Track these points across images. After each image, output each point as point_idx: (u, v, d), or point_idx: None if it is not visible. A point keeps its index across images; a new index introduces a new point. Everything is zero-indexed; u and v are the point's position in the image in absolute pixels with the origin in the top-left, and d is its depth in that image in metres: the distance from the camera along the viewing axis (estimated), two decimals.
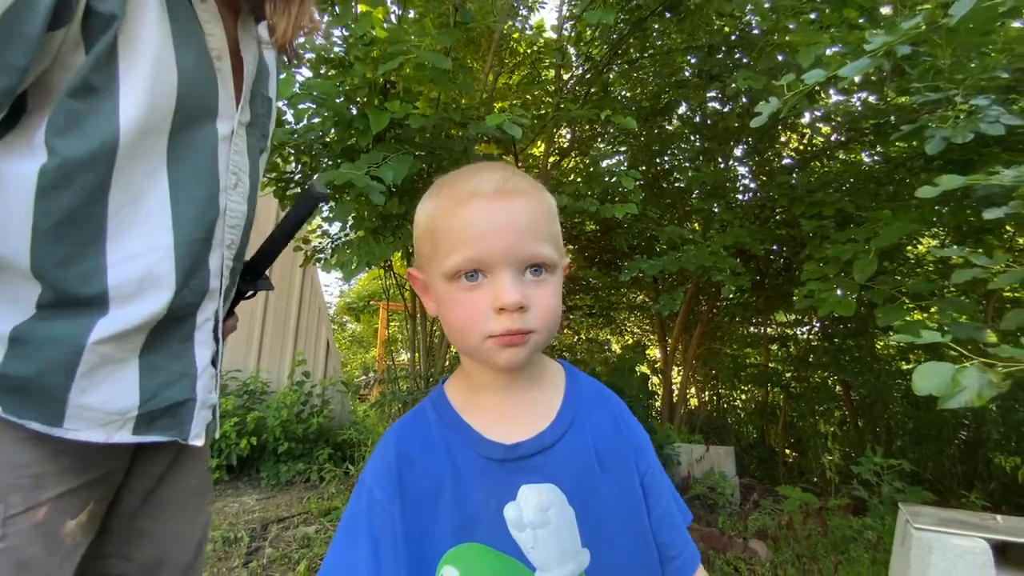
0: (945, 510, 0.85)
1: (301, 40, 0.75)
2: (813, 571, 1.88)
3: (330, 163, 2.38)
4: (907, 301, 2.20)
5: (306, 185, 0.72)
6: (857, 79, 2.73)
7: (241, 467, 3.46)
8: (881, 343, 4.07)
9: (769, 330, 5.21)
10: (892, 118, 2.44)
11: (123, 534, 0.65)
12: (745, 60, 3.18)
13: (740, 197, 3.95)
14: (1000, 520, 0.79)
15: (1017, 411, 3.13)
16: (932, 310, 2.24)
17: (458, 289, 0.47)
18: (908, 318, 2.10)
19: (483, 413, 0.51)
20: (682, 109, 4.20)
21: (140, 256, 0.55)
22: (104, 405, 0.54)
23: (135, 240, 0.54)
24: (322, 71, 2.39)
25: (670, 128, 4.31)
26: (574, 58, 3.85)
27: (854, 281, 2.05)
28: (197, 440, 0.62)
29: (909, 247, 3.52)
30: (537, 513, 0.47)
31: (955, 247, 2.00)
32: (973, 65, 1.74)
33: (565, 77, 3.93)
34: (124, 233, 0.54)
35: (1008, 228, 2.80)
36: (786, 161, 3.98)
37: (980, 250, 3.05)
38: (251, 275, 0.77)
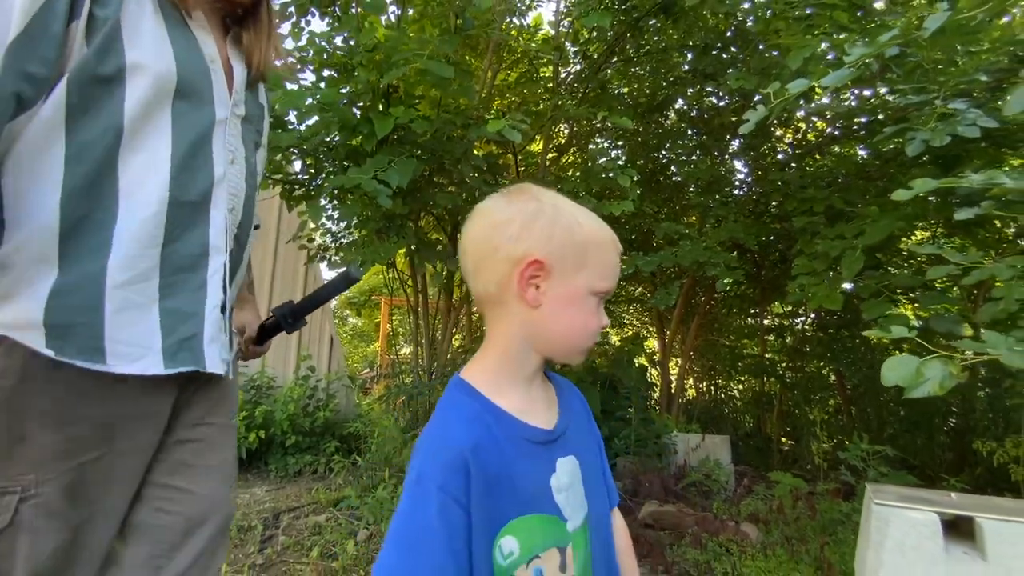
0: (907, 488, 0.94)
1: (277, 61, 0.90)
2: (801, 551, 1.98)
3: (335, 164, 2.45)
4: (894, 295, 2.28)
5: (345, 268, 1.05)
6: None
7: (250, 460, 3.56)
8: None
9: (766, 321, 5.30)
10: (880, 116, 2.51)
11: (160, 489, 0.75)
12: (740, 56, 3.23)
13: (736, 192, 4.01)
14: (954, 497, 0.88)
15: (1004, 398, 3.23)
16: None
17: (595, 304, 0.60)
18: (894, 311, 2.18)
19: (511, 403, 0.58)
20: (679, 104, 4.25)
21: (142, 210, 0.66)
22: (136, 340, 0.66)
23: (140, 199, 0.66)
24: (324, 73, 2.45)
25: (667, 123, 4.36)
26: (571, 55, 3.90)
27: (842, 276, 2.13)
28: (215, 368, 0.73)
29: (903, 239, 3.59)
30: (569, 478, 0.59)
31: (932, 243, 2.08)
32: (953, 69, 1.81)
33: (562, 75, 3.98)
34: (133, 194, 0.65)
35: (996, 222, 2.86)
36: (780, 156, 4.04)
37: (969, 242, 3.12)
38: (293, 319, 0.96)
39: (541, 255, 0.56)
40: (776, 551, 2.00)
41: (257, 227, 0.99)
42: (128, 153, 0.65)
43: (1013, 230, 3.03)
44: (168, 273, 0.68)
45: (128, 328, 0.65)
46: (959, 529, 0.85)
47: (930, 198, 2.34)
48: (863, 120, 2.91)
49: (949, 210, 2.42)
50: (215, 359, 0.73)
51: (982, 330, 1.04)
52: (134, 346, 0.65)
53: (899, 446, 3.70)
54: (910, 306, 2.99)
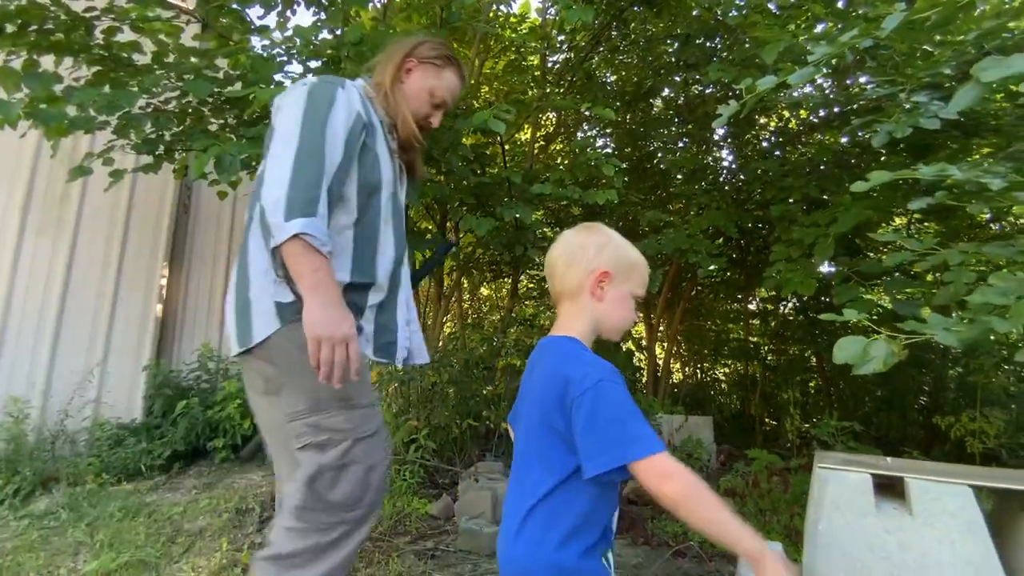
0: (849, 455, 1.04)
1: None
2: (772, 521, 2.11)
3: None
4: (866, 280, 2.39)
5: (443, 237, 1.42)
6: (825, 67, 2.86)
7: (245, 446, 3.62)
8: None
9: (751, 306, 5.43)
10: (855, 106, 2.59)
11: None
12: (722, 47, 3.29)
13: (721, 180, 4.09)
14: (889, 461, 0.98)
15: (970, 376, 3.38)
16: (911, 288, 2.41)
17: (634, 303, 0.93)
18: (864, 296, 2.29)
19: None
20: (665, 92, 4.30)
21: (386, 265, 1.17)
22: (368, 340, 1.14)
23: (386, 258, 1.17)
24: (312, 64, 2.47)
25: (654, 112, 4.41)
26: (559, 42, 3.92)
27: (814, 262, 2.22)
28: (399, 363, 1.21)
29: (883, 226, 3.69)
30: None
31: (905, 231, 2.17)
32: (920, 62, 1.88)
33: (549, 64, 4.00)
34: (384, 254, 1.16)
35: (967, 210, 2.96)
36: (765, 144, 4.11)
37: (941, 228, 3.20)
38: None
39: (608, 268, 0.89)
40: (749, 520, 2.12)
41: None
42: (383, 229, 1.16)
43: (988, 215, 3.14)
44: (384, 299, 1.18)
45: (364, 332, 1.13)
46: (893, 490, 0.95)
47: (903, 185, 2.44)
48: (840, 110, 2.99)
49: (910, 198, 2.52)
50: (401, 356, 1.20)
51: (927, 312, 1.13)
52: (367, 344, 1.14)
53: (874, 424, 3.86)
54: (879, 291, 3.10)
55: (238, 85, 2.40)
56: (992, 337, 1.04)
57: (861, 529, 0.85)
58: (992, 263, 1.89)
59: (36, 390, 3.16)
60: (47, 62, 2.22)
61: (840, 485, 0.88)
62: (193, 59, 2.40)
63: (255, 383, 1.11)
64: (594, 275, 0.88)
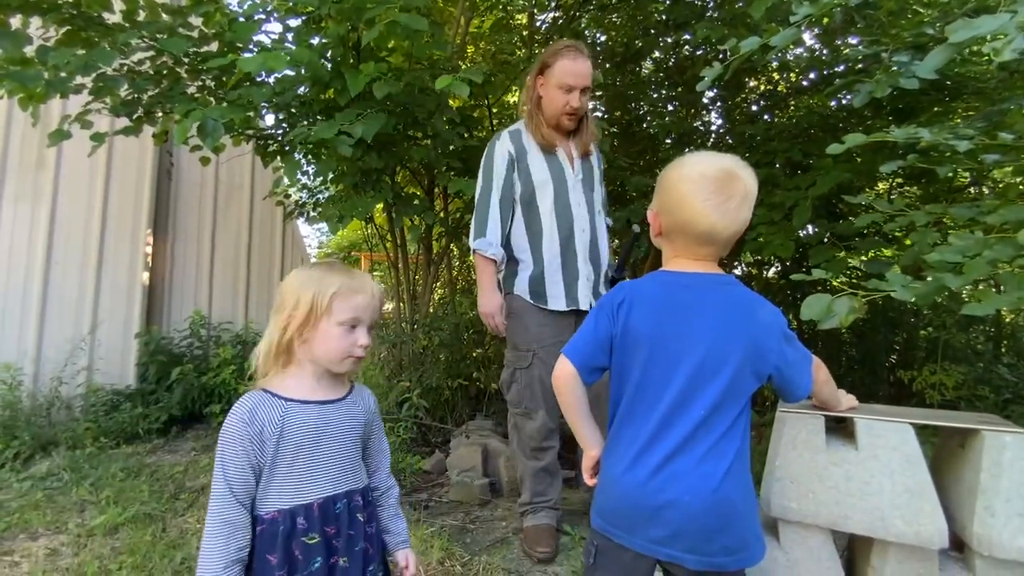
0: (806, 401, 1.13)
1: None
2: None
3: (309, 118, 2.45)
4: (842, 242, 2.45)
5: (631, 226, 2.19)
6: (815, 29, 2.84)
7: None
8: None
9: (737, 271, 5.52)
10: (841, 68, 2.58)
11: None
12: (711, 4, 3.23)
13: (710, 143, 4.08)
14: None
15: (941, 333, 3.52)
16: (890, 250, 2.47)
17: None
18: (840, 257, 2.36)
19: None
20: (656, 54, 4.23)
21: (550, 240, 1.77)
22: (555, 294, 1.75)
23: (549, 234, 1.78)
24: (292, 23, 2.40)
25: (644, 73, 4.34)
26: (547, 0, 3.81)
27: (793, 225, 2.27)
28: (584, 306, 1.74)
29: (867, 191, 3.73)
30: None
31: (865, 196, 2.21)
32: (903, 22, 1.89)
33: (537, 23, 3.90)
34: (547, 232, 1.77)
35: (937, 172, 3.00)
36: (755, 108, 4.09)
37: (918, 191, 3.24)
38: (619, 272, 1.90)
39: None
40: None
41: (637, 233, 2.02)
42: (545, 216, 1.76)
43: (969, 179, 3.20)
44: (565, 262, 1.74)
45: (553, 288, 1.73)
46: (844, 430, 1.04)
47: (884, 149, 2.48)
48: (827, 72, 2.98)
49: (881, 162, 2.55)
50: (586, 303, 1.74)
51: (891, 271, 1.19)
52: (555, 297, 1.73)
53: (848, 381, 4.02)
54: (856, 254, 3.18)
55: (214, 45, 2.33)
56: (947, 294, 1.10)
57: (813, 463, 0.94)
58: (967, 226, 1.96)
59: (28, 358, 3.18)
60: (14, 23, 2.13)
61: (796, 425, 0.96)
62: (165, 16, 2.32)
63: None
64: (744, 225, 0.90)
